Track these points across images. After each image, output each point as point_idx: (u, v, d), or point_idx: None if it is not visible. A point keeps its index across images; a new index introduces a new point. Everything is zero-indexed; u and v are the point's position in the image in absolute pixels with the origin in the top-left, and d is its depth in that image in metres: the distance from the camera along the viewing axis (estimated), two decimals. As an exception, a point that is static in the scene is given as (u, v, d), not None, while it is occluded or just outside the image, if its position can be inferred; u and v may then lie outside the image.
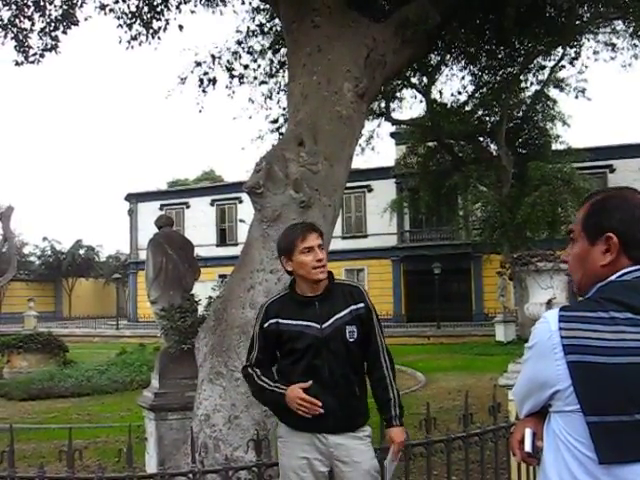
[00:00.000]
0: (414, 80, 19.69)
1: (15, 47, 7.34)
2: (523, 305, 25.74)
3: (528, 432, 2.11)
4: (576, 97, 25.59)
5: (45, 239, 63.19)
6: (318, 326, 3.44)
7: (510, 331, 25.62)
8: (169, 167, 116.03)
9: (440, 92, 23.10)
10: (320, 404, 3.29)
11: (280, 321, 3.48)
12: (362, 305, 3.55)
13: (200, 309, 6.62)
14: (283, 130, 11.24)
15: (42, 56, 7.47)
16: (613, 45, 17.48)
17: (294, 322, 3.46)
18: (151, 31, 7.77)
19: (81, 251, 63.55)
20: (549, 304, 5.30)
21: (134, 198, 49.09)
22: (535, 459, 2.09)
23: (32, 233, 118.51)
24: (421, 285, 37.85)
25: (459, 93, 20.62)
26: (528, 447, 2.09)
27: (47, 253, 62.39)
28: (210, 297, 6.28)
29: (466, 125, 25.62)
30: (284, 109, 10.99)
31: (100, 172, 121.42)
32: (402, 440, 3.52)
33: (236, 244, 42.19)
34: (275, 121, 11.96)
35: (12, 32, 7.22)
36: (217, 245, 44.06)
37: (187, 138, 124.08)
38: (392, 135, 35.49)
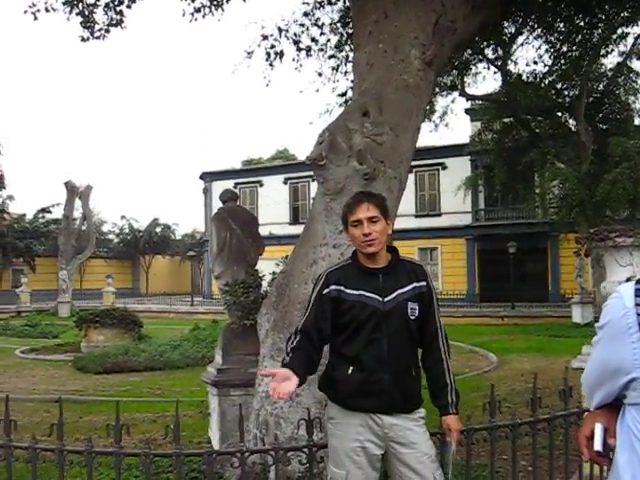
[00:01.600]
0: (488, 53, 19.14)
1: (81, 23, 7.34)
2: (601, 286, 25.13)
3: (598, 428, 1.85)
4: (661, 68, 24.50)
5: (123, 217, 64.72)
6: (380, 298, 3.29)
7: (587, 312, 24.86)
8: (243, 146, 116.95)
9: (515, 63, 22.44)
10: (286, 393, 3.00)
11: (342, 289, 3.32)
12: (424, 284, 3.40)
13: (264, 285, 6.52)
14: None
15: (107, 31, 7.46)
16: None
17: (356, 292, 3.31)
18: (215, 2, 7.65)
19: (158, 229, 64.77)
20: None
21: (208, 177, 49.68)
22: (606, 459, 1.84)
23: (110, 212, 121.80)
24: (495, 265, 37.07)
25: (535, 63, 19.83)
26: (598, 445, 1.83)
27: (125, 231, 63.80)
28: (274, 272, 6.18)
29: (543, 99, 24.82)
30: (352, 81, 10.79)
31: (175, 151, 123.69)
32: (459, 428, 3.37)
33: (309, 222, 42.23)
34: (343, 94, 11.77)
35: (77, 7, 7.20)
36: (290, 223, 44.14)
37: (260, 116, 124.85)
38: (466, 111, 34.86)
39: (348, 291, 3.31)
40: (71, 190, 38.48)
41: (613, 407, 1.83)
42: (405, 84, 5.56)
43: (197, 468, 5.63)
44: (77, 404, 10.91)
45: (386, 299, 3.29)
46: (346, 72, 10.91)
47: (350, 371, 3.28)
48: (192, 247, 55.98)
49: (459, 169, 36.48)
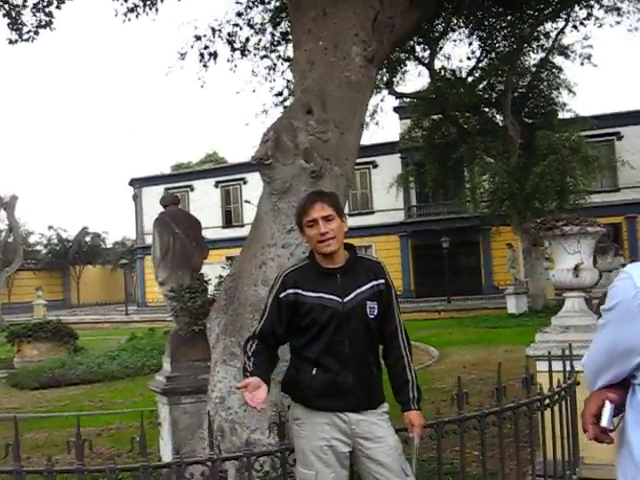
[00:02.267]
0: (418, 51, 19.42)
1: (8, 24, 7.07)
2: (534, 276, 25.71)
3: (609, 406, 1.85)
4: (582, 64, 25.31)
5: (51, 227, 63.10)
6: (340, 299, 3.24)
7: (522, 303, 25.43)
8: (172, 151, 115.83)
9: (446, 58, 22.76)
10: (260, 400, 3.01)
11: (300, 292, 3.26)
12: (383, 281, 3.36)
13: (210, 289, 6.41)
14: (288, 103, 11.00)
15: (36, 33, 7.19)
16: (618, 9, 17.07)
17: (315, 294, 3.25)
18: (148, 2, 7.48)
19: (87, 238, 63.51)
20: (576, 270, 5.07)
21: (138, 183, 48.95)
22: (609, 436, 1.85)
23: (37, 222, 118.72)
24: (430, 260, 37.61)
25: (461, 61, 20.30)
26: (606, 422, 1.85)
27: (53, 241, 62.30)
28: (220, 276, 6.07)
29: (471, 96, 25.37)
30: (288, 81, 10.74)
31: (103, 158, 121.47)
32: (421, 424, 3.35)
33: (242, 225, 42.09)
34: (279, 94, 11.71)
35: (4, 9, 6.94)
36: (223, 227, 43.88)
37: (189, 121, 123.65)
38: (395, 109, 35.21)
39: (306, 294, 3.26)
40: (-5, 201, 37.32)
41: (620, 387, 1.84)
42: (348, 81, 5.54)
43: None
44: (11, 422, 10.52)
45: (345, 299, 3.25)
46: (283, 72, 10.86)
47: (314, 372, 3.24)
48: (124, 255, 55.04)
49: (390, 167, 36.85)
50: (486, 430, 3.82)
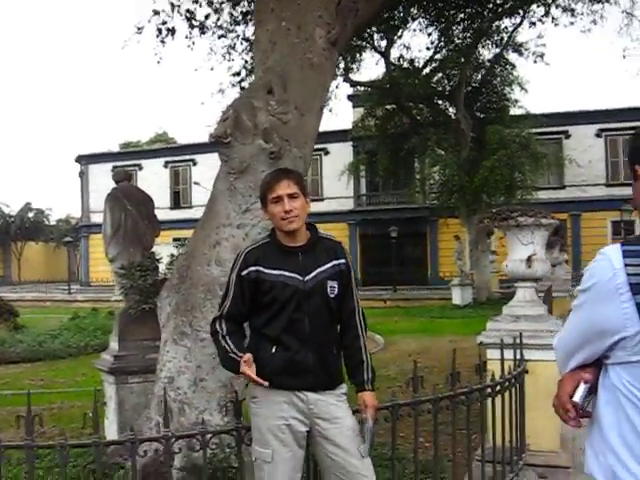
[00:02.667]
0: (376, 39, 19.42)
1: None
2: (479, 269, 26.05)
3: (583, 386, 1.88)
4: (535, 62, 25.74)
5: (-7, 202, 61.60)
6: (301, 278, 3.23)
7: (467, 294, 25.81)
8: (121, 129, 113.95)
9: (405, 47, 22.83)
10: (266, 383, 3.09)
11: (261, 269, 3.24)
12: (343, 261, 3.37)
13: (161, 267, 6.31)
14: (245, 84, 10.88)
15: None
16: (572, 10, 17.32)
17: (276, 272, 3.23)
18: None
19: (30, 214, 62.19)
20: (529, 260, 5.14)
21: (85, 160, 48.02)
22: (579, 417, 1.88)
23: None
24: (377, 249, 37.83)
25: (420, 51, 20.43)
26: (578, 398, 1.87)
27: (-5, 216, 60.88)
28: (172, 255, 5.98)
29: (425, 87, 25.61)
30: (246, 62, 10.61)
31: (49, 132, 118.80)
32: (375, 404, 3.35)
33: (190, 207, 41.69)
34: (237, 74, 11.56)
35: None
36: (171, 208, 43.33)
37: (139, 100, 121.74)
38: (349, 97, 35.19)
39: (267, 271, 3.23)
40: None
41: (591, 366, 1.86)
42: (310, 63, 5.47)
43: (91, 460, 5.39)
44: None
45: (306, 278, 3.24)
46: (242, 51, 10.71)
47: (274, 350, 3.21)
48: (68, 233, 54.01)
49: (341, 154, 36.87)
50: (438, 415, 3.86)
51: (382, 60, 24.95)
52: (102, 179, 39.38)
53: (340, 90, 27.89)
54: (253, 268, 3.24)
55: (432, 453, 5.25)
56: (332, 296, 3.29)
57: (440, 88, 26.93)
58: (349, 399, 3.38)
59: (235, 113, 5.11)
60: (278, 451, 3.18)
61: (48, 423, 8.32)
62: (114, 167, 44.46)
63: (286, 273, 3.22)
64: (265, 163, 5.05)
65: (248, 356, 3.10)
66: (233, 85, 12.15)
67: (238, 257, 3.36)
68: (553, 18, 16.38)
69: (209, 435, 3.27)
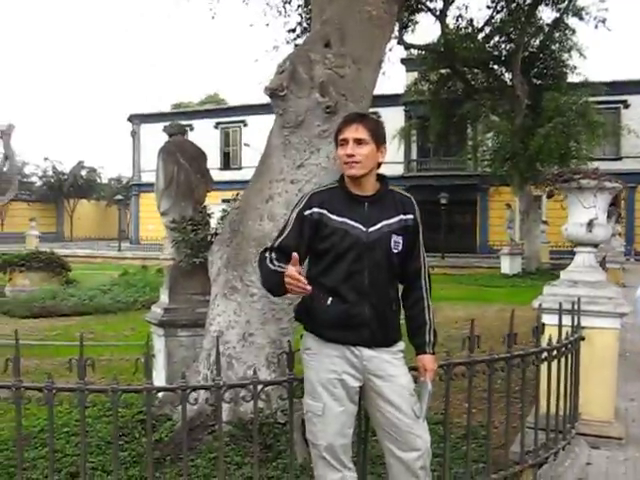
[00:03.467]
0: (430, 4, 19.00)
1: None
2: (530, 238, 25.69)
3: None
4: (596, 27, 24.93)
5: (46, 159, 62.53)
6: (364, 228, 3.11)
7: (516, 264, 25.47)
8: (173, 89, 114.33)
9: (464, 6, 22.29)
10: (309, 288, 2.89)
11: (325, 213, 3.12)
12: (411, 217, 3.23)
13: (212, 223, 6.29)
14: (300, 42, 10.72)
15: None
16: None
17: (339, 218, 3.11)
18: None
19: (83, 172, 63.01)
20: (590, 225, 4.98)
21: (137, 119, 48.45)
22: None
23: (33, 153, 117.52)
24: (427, 215, 36.96)
25: (479, 10, 19.95)
26: None
27: (48, 174, 61.77)
28: (224, 210, 5.95)
29: (481, 52, 25.07)
30: (302, 17, 10.43)
31: (102, 92, 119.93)
32: (435, 368, 3.27)
33: (240, 168, 41.84)
34: (292, 30, 11.39)
35: None
36: (221, 169, 43.47)
37: (192, 60, 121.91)
38: (403, 61, 34.71)
39: (331, 216, 3.12)
40: (-8, 129, 36.82)
41: None
42: (368, 16, 5.32)
43: (143, 410, 5.44)
44: (7, 348, 10.48)
45: (370, 229, 3.12)
46: (299, 6, 10.53)
47: (329, 302, 3.11)
48: (119, 191, 54.68)
49: (393, 119, 36.36)
50: (482, 379, 3.77)
51: (438, 23, 24.46)
52: (154, 139, 39.64)
53: (393, 53, 27.60)
54: (317, 210, 3.13)
55: (478, 419, 5.23)
56: (396, 251, 3.17)
57: (497, 53, 26.29)
58: (406, 360, 3.29)
59: (292, 66, 5.01)
60: (329, 405, 3.12)
61: (97, 374, 8.48)
62: (165, 127, 44.88)
63: (349, 221, 3.11)
64: (321, 117, 4.97)
65: (292, 269, 2.88)
66: (288, 42, 12.04)
67: (302, 197, 3.27)
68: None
69: (260, 386, 3.23)
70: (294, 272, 2.86)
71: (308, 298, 3.18)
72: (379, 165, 3.24)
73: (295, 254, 2.90)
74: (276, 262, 3.07)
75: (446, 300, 18.18)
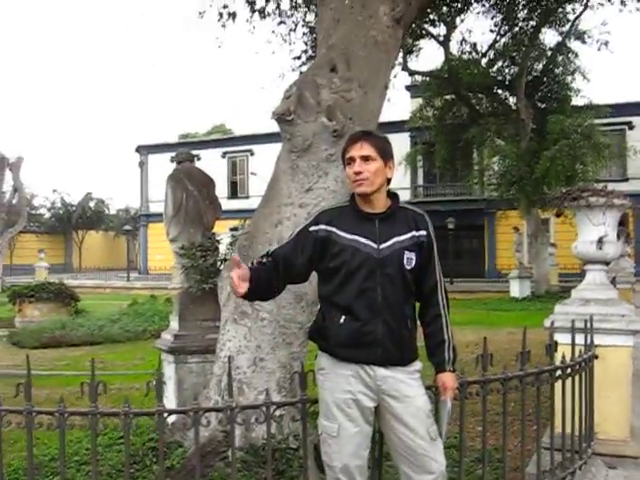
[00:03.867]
0: (435, 27, 19.16)
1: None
2: (538, 261, 25.55)
3: None
4: (598, 49, 25.08)
5: (55, 191, 62.95)
6: (375, 245, 3.10)
7: (525, 287, 25.36)
8: (180, 121, 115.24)
9: (468, 31, 22.44)
10: (243, 290, 2.96)
11: (334, 230, 3.13)
12: (424, 233, 3.21)
13: (221, 249, 6.31)
14: (305, 69, 10.84)
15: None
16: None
17: (349, 236, 3.11)
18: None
19: (91, 204, 63.37)
20: (600, 242, 4.97)
21: (145, 150, 48.78)
22: None
23: (42, 185, 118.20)
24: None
25: (483, 34, 20.11)
26: None
27: (57, 205, 62.14)
28: (232, 236, 5.97)
29: (485, 77, 25.22)
30: (306, 44, 10.55)
31: (110, 124, 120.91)
32: (455, 386, 3.24)
33: (247, 197, 42.00)
34: (298, 57, 11.54)
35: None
36: (228, 198, 43.62)
37: (197, 92, 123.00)
38: (407, 88, 34.93)
39: (341, 234, 3.12)
40: (0, 161, 37.11)
41: None
42: (374, 40, 5.37)
43: (153, 437, 5.42)
44: (16, 378, 10.47)
45: (381, 246, 3.11)
46: (303, 34, 10.67)
47: (342, 321, 3.10)
48: (127, 222, 54.89)
49: (399, 145, 36.36)
50: (494, 403, 3.74)
51: (441, 49, 24.66)
52: (161, 169, 39.88)
53: (398, 80, 27.59)
54: (324, 227, 3.14)
55: (491, 442, 5.18)
56: (409, 267, 3.14)
57: (500, 77, 26.45)
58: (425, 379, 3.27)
59: (298, 91, 5.04)
60: (344, 426, 3.09)
61: (107, 403, 8.45)
62: (172, 158, 45.11)
63: (360, 239, 3.10)
64: (328, 141, 4.98)
65: (243, 270, 2.98)
66: (293, 70, 12.17)
67: (311, 216, 3.31)
68: (622, 1, 15.88)
69: (273, 407, 3.21)
70: (234, 274, 2.96)
71: (320, 317, 3.19)
72: (389, 182, 3.25)
73: (236, 256, 3.03)
74: (256, 264, 3.15)
75: (455, 325, 17.79)
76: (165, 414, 3.05)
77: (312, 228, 3.17)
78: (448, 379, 3.20)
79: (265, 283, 3.12)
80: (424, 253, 3.20)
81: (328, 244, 3.13)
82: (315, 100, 5.02)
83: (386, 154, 3.21)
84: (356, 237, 3.11)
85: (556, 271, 29.43)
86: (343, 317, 3.10)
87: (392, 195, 3.27)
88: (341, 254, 3.10)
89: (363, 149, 3.14)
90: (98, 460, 4.53)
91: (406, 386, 3.13)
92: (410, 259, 3.14)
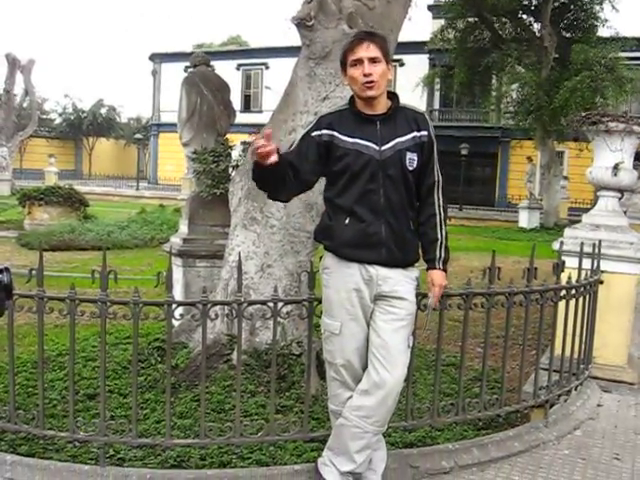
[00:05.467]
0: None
1: None
2: (550, 193, 25.44)
3: None
4: (631, -22, 24.15)
5: (66, 96, 62.38)
6: (377, 147, 3.08)
7: (534, 218, 25.31)
8: (195, 31, 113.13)
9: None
10: (275, 158, 2.91)
11: (335, 134, 3.11)
12: (425, 133, 3.18)
13: (234, 155, 6.27)
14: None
15: None
16: None
17: (351, 139, 3.09)
18: None
19: (102, 111, 62.77)
20: (616, 168, 4.91)
21: (158, 58, 48.07)
22: None
23: (53, 90, 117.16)
24: (446, 166, 37.07)
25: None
26: None
27: (68, 111, 61.60)
28: (244, 142, 5.93)
29: (510, 0, 24.43)
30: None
31: (124, 30, 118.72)
32: (443, 284, 3.25)
33: (261, 111, 41.55)
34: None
35: None
36: (241, 111, 43.14)
37: (215, 1, 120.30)
38: (429, 8, 34.08)
39: (342, 137, 3.10)
40: (12, 63, 36.62)
41: None
42: (401, -54, 5.20)
43: (159, 337, 5.53)
44: (25, 278, 10.60)
45: (383, 148, 3.08)
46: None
47: (347, 222, 3.12)
48: (138, 131, 54.54)
49: (417, 67, 35.91)
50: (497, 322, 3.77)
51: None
52: (174, 78, 39.40)
53: (419, -1, 26.89)
54: (326, 131, 3.12)
55: (488, 363, 5.25)
56: (410, 168, 3.13)
57: (526, 2, 25.77)
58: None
59: (320, -5, 4.91)
60: (346, 324, 3.14)
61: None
62: (186, 67, 44.52)
63: (361, 141, 3.09)
64: (347, 49, 4.88)
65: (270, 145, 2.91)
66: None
67: (313, 121, 3.26)
68: None
69: (281, 304, 3.24)
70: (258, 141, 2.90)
71: (326, 218, 3.21)
72: (388, 82, 3.20)
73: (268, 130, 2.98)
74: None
75: (461, 250, 18.15)
76: (174, 305, 3.09)
77: (314, 133, 3.15)
78: (436, 276, 3.23)
79: (281, 176, 3.09)
80: (425, 153, 3.18)
81: (331, 148, 3.12)
82: (337, 6, 4.89)
83: (388, 55, 3.15)
84: (357, 140, 3.09)
85: (566, 204, 29.32)
86: (348, 218, 3.12)
87: (391, 95, 3.21)
88: (344, 158, 3.10)
89: (370, 50, 3.06)
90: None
91: (402, 288, 3.16)
92: (412, 160, 3.13)
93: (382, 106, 3.16)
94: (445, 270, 3.25)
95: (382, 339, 3.13)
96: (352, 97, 3.23)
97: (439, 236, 3.23)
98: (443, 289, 3.28)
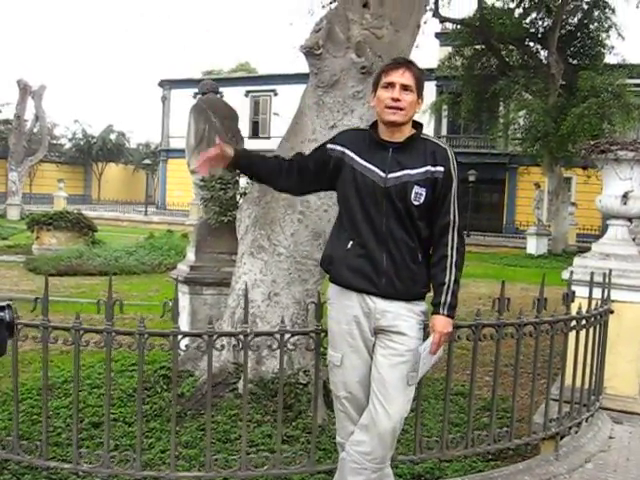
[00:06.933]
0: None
1: None
2: (558, 219, 25.36)
3: None
4: (637, 6, 24.23)
5: (76, 122, 62.71)
6: (382, 174, 3.04)
7: (542, 244, 25.20)
8: (204, 57, 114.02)
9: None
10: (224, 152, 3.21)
11: (348, 153, 3.11)
12: (442, 169, 3.05)
13: (241, 182, 6.27)
14: (334, 5, 10.62)
15: None
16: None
17: (361, 161, 3.08)
18: None
19: (112, 136, 63.06)
20: (625, 197, 4.89)
21: (168, 84, 48.39)
22: None
23: (63, 115, 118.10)
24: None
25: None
26: None
27: (78, 136, 61.94)
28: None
29: (517, 28, 24.65)
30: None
31: (134, 56, 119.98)
32: (445, 331, 3.05)
33: (269, 137, 41.70)
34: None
35: None
36: (249, 137, 43.33)
37: (223, 29, 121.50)
38: (437, 35, 34.28)
39: (354, 157, 3.10)
40: (23, 89, 36.99)
41: None
42: (408, -23, 5.23)
43: (165, 366, 5.50)
44: (31, 303, 10.58)
45: (389, 175, 3.03)
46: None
47: (349, 245, 3.08)
48: (147, 156, 54.78)
49: (424, 93, 35.99)
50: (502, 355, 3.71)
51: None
52: (184, 104, 39.65)
53: (428, 27, 27.03)
54: (340, 148, 3.14)
55: (498, 392, 5.19)
56: (416, 203, 3.02)
57: (533, 30, 25.89)
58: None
59: (329, 24, 4.94)
60: (348, 356, 3.09)
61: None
62: (196, 93, 44.81)
63: (368, 165, 3.06)
64: (356, 78, 4.90)
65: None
66: (323, 6, 11.92)
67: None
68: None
69: (288, 335, 3.21)
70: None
71: (329, 245, 3.23)
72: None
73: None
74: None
75: (470, 277, 18.04)
76: (179, 336, 3.06)
77: (329, 146, 3.20)
78: (438, 322, 3.05)
79: (270, 165, 3.32)
80: (438, 190, 3.06)
81: (341, 166, 3.13)
82: (345, 35, 4.93)
83: (421, 88, 3.12)
84: (366, 163, 3.07)
85: (574, 231, 29.24)
86: (351, 242, 3.09)
87: (416, 125, 3.17)
88: (352, 179, 3.09)
89: (404, 77, 3.03)
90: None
91: (404, 323, 3.06)
92: (419, 194, 3.02)
93: (402, 135, 3.10)
94: (451, 316, 3.09)
95: (380, 374, 3.06)
96: (375, 122, 3.21)
97: (446, 280, 3.06)
98: (447, 337, 3.13)
